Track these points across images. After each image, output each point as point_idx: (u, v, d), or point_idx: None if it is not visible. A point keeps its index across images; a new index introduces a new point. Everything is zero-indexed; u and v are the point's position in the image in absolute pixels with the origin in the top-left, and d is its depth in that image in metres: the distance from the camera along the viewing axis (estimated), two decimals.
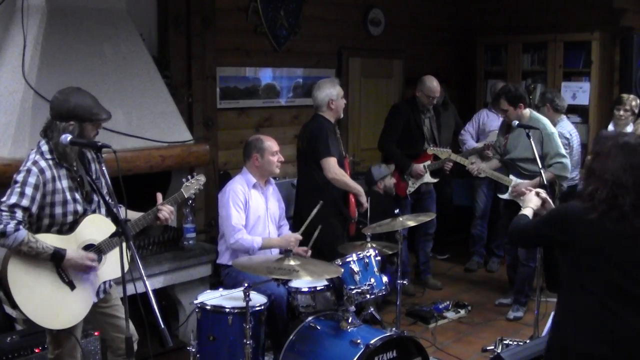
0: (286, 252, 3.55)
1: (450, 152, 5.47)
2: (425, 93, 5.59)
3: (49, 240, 2.98)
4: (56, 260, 2.98)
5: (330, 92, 4.76)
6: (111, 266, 3.15)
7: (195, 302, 3.61)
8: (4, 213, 2.88)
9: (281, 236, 4.38)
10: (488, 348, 4.59)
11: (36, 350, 3.51)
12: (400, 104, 6.11)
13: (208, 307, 3.54)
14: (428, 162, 5.60)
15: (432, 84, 5.60)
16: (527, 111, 5.02)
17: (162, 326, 2.60)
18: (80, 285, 3.07)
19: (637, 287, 2.44)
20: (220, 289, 3.80)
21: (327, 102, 4.76)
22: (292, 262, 3.42)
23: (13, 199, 2.91)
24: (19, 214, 2.90)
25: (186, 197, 3.44)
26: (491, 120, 6.28)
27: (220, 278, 4.33)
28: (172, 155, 4.39)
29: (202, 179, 3.52)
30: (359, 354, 3.41)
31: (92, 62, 4.21)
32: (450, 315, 5.30)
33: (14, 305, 2.96)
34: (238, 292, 3.45)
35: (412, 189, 5.66)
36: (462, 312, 5.36)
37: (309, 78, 6.22)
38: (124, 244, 2.75)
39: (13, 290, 2.92)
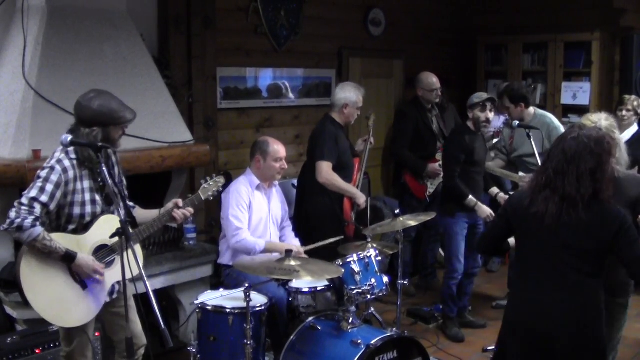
0: (287, 253, 3.55)
1: None
2: (427, 89, 5.58)
3: (62, 240, 2.99)
4: (67, 262, 3.00)
5: (348, 97, 4.77)
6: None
7: (196, 302, 3.62)
8: (23, 207, 2.89)
9: (286, 243, 4.35)
10: (489, 348, 4.58)
11: (37, 351, 3.50)
12: (405, 107, 6.06)
13: (209, 308, 3.54)
14: None
15: (431, 79, 5.61)
16: (532, 109, 5.11)
17: (163, 326, 2.60)
18: (92, 285, 3.08)
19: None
20: (221, 290, 3.80)
21: (342, 105, 4.77)
22: (292, 263, 3.42)
23: (33, 193, 2.93)
24: (38, 210, 2.91)
25: (203, 199, 3.42)
26: (493, 120, 6.26)
27: (221, 278, 4.33)
28: (173, 155, 4.38)
29: (221, 180, 3.49)
30: (359, 354, 3.41)
31: (93, 62, 4.20)
32: None
33: (26, 302, 2.97)
34: (239, 293, 3.45)
35: (432, 189, 5.65)
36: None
37: (310, 78, 6.22)
38: (124, 245, 2.76)
39: (25, 286, 2.94)
